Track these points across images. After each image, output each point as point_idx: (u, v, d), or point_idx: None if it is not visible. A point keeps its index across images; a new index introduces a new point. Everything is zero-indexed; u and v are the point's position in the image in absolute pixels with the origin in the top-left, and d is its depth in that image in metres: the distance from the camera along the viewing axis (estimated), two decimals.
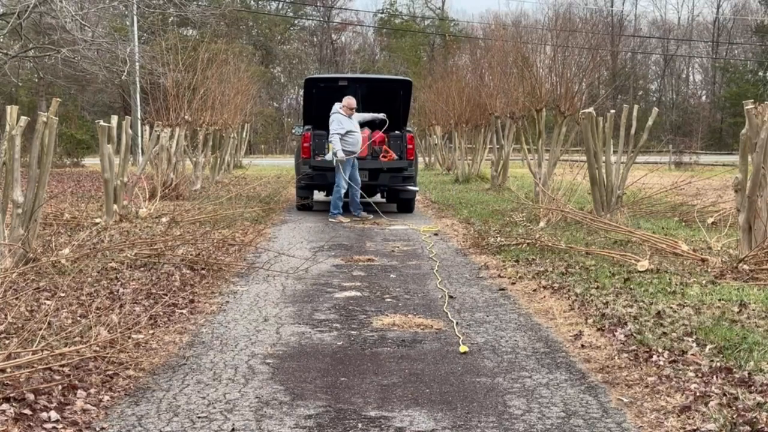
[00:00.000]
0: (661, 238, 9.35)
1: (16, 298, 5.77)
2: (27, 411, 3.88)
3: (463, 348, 5.33)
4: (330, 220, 12.82)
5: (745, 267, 7.54)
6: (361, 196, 13.78)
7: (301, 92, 22.08)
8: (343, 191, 13.04)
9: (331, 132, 12.84)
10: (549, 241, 9.53)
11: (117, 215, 11.17)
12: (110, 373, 4.57)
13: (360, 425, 3.95)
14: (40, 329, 4.83)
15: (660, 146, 35.71)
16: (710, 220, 11.60)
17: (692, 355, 4.90)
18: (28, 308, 5.71)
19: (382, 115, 13.83)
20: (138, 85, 28.35)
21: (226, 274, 7.89)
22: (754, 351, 4.89)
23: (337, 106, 13.00)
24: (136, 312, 5.92)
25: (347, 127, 12.88)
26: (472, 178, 23.07)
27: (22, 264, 7.16)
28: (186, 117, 17.55)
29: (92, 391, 4.28)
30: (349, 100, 13.01)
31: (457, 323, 6.01)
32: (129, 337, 5.22)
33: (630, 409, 4.17)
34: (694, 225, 11.27)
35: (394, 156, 14.20)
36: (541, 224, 11.29)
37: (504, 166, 19.91)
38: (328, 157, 14.24)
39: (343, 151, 12.89)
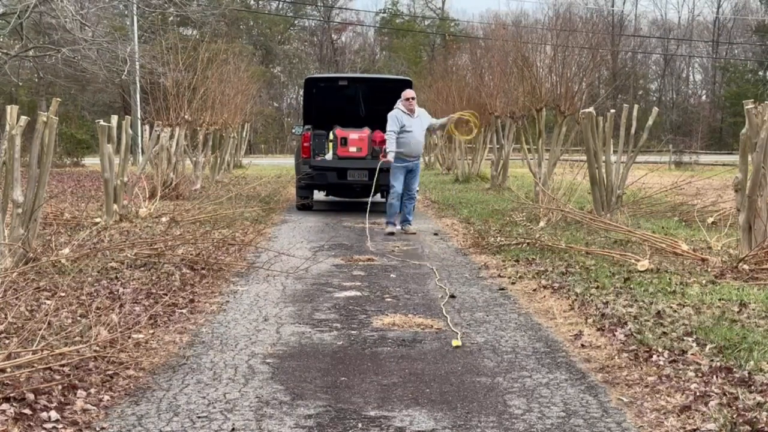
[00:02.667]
0: (661, 237, 9.35)
1: (16, 298, 5.77)
2: (27, 411, 3.88)
3: (456, 342, 5.39)
4: (386, 230, 11.44)
5: (745, 267, 7.54)
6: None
7: (301, 92, 22.08)
8: (397, 195, 11.45)
9: (387, 131, 11.32)
10: (549, 240, 9.54)
11: (117, 215, 11.17)
12: (110, 372, 4.57)
13: (360, 425, 3.95)
14: (40, 329, 4.83)
15: (660, 146, 35.68)
16: (710, 220, 11.60)
17: (692, 354, 4.90)
18: (28, 308, 5.71)
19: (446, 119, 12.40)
20: (138, 85, 28.34)
21: (226, 274, 7.89)
22: (754, 351, 4.89)
23: (398, 102, 11.44)
24: (136, 312, 5.92)
25: (402, 122, 11.23)
26: (472, 177, 23.08)
27: (22, 264, 7.16)
28: (186, 117, 17.56)
29: (92, 390, 4.28)
30: (409, 91, 11.51)
31: (451, 319, 6.01)
32: (129, 337, 5.22)
33: (630, 409, 4.17)
34: (694, 225, 11.27)
35: None
36: (541, 224, 11.29)
37: (504, 165, 19.92)
38: (329, 157, 14.24)
39: (396, 151, 11.35)
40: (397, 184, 11.41)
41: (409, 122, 11.20)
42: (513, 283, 7.63)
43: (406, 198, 11.52)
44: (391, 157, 11.25)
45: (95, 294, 6.43)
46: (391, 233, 11.23)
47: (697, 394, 4.23)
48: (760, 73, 56.74)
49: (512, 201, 14.42)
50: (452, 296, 7.04)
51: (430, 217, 14.14)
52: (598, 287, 7.02)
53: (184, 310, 6.26)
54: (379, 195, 15.36)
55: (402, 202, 11.54)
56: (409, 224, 11.59)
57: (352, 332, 5.76)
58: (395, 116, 11.19)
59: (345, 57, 62.70)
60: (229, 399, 4.30)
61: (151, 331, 5.53)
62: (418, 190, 12.05)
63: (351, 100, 15.08)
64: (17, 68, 26.05)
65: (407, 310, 6.50)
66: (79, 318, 5.60)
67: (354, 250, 9.79)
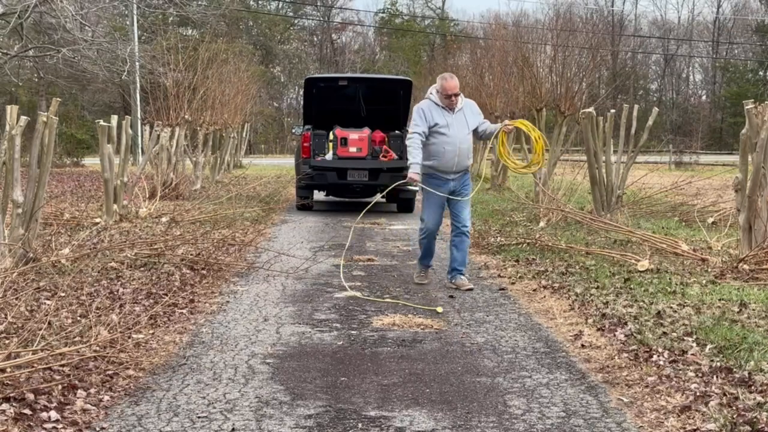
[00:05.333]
0: (662, 237, 9.35)
1: (16, 298, 5.76)
2: (27, 411, 3.88)
3: (439, 309, 6.41)
4: (415, 280, 7.75)
5: (745, 267, 7.54)
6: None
7: (301, 92, 22.08)
8: (428, 232, 7.53)
9: (410, 132, 7.43)
10: (549, 240, 9.54)
11: (117, 215, 11.17)
12: (110, 372, 4.57)
13: (360, 425, 3.95)
14: (40, 329, 4.83)
15: (660, 146, 35.70)
16: (710, 220, 11.61)
17: (692, 354, 4.90)
18: (28, 308, 5.71)
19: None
20: (138, 85, 28.36)
21: (226, 274, 7.89)
22: (755, 351, 4.89)
23: (431, 90, 7.50)
24: (136, 312, 5.92)
25: (434, 119, 7.28)
26: (473, 178, 23.04)
27: (22, 264, 7.16)
28: (186, 117, 17.56)
29: (92, 390, 4.28)
30: (447, 82, 7.27)
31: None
32: (129, 337, 5.22)
33: (630, 409, 4.17)
34: (694, 225, 11.28)
35: (394, 156, 14.19)
36: (541, 224, 11.30)
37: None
38: (329, 157, 14.23)
39: (424, 165, 7.33)
40: (429, 218, 7.47)
41: (445, 120, 7.28)
42: (513, 283, 7.63)
43: (454, 234, 7.51)
44: (415, 174, 7.26)
45: (95, 294, 6.43)
46: (421, 283, 7.63)
47: (697, 394, 4.23)
48: (760, 73, 56.69)
49: (512, 201, 14.42)
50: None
51: None
52: (598, 287, 7.02)
53: (184, 310, 6.26)
54: (379, 195, 15.36)
55: (453, 242, 7.53)
56: (461, 275, 7.46)
57: (352, 332, 5.76)
58: (423, 110, 7.32)
59: (345, 57, 62.64)
60: (229, 399, 4.30)
61: (151, 331, 5.53)
62: (469, 227, 7.62)
63: (351, 100, 15.08)
64: (17, 68, 26.07)
65: (407, 310, 6.50)
66: (79, 318, 5.60)
67: (354, 250, 9.79)
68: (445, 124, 7.26)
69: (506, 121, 7.70)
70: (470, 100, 7.70)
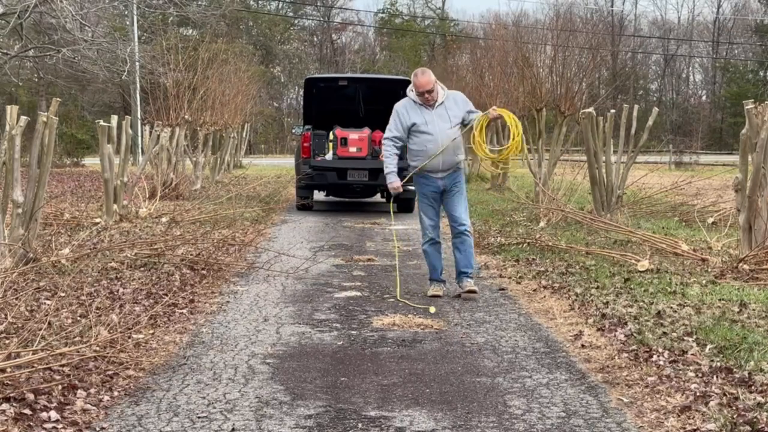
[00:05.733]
0: (662, 238, 9.35)
1: (16, 298, 5.76)
2: (27, 411, 3.88)
3: (432, 309, 6.39)
4: (429, 292, 7.13)
5: (746, 267, 7.54)
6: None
7: (301, 92, 22.08)
8: (428, 236, 7.35)
9: (384, 137, 7.32)
10: (549, 240, 9.54)
11: (117, 215, 11.17)
12: (110, 372, 4.57)
13: (360, 425, 3.95)
14: (40, 329, 4.83)
15: (660, 146, 35.69)
16: (710, 220, 11.61)
17: (692, 355, 4.90)
18: (28, 308, 5.71)
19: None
20: (138, 85, 28.36)
21: (226, 274, 7.89)
22: (755, 351, 4.89)
23: (410, 88, 7.21)
24: (136, 312, 5.92)
25: (411, 118, 7.07)
26: (473, 177, 23.07)
27: (22, 264, 7.16)
28: (186, 117, 17.57)
29: (92, 390, 4.28)
30: (418, 79, 7.00)
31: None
32: (129, 337, 5.22)
33: (630, 409, 4.17)
34: (694, 225, 11.28)
35: None
36: (542, 224, 11.30)
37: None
38: (329, 157, 14.22)
39: (411, 166, 7.34)
40: (426, 218, 7.33)
41: (423, 117, 7.03)
42: (514, 283, 7.63)
43: (453, 236, 7.31)
44: (393, 181, 7.27)
45: (95, 294, 6.43)
46: (436, 296, 7.03)
47: (698, 394, 4.23)
48: (761, 73, 56.68)
49: (512, 201, 14.42)
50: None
51: None
52: (598, 287, 7.02)
53: (184, 311, 6.26)
54: (379, 195, 15.36)
55: (454, 244, 7.30)
56: (468, 278, 7.09)
57: (352, 332, 5.76)
58: (399, 112, 7.17)
59: (345, 57, 62.65)
60: (229, 399, 4.30)
61: (151, 332, 5.53)
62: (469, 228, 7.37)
63: (351, 100, 15.08)
64: (17, 68, 26.07)
65: (407, 310, 6.50)
66: (79, 318, 5.60)
67: (354, 251, 9.79)
68: (424, 122, 7.01)
69: (493, 107, 7.19)
70: (455, 92, 7.39)
